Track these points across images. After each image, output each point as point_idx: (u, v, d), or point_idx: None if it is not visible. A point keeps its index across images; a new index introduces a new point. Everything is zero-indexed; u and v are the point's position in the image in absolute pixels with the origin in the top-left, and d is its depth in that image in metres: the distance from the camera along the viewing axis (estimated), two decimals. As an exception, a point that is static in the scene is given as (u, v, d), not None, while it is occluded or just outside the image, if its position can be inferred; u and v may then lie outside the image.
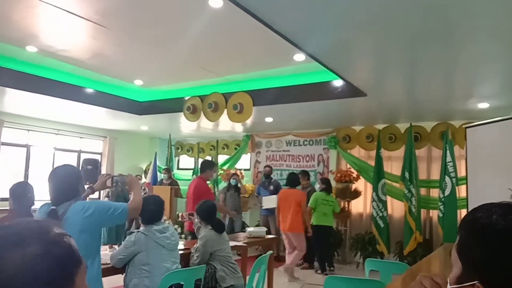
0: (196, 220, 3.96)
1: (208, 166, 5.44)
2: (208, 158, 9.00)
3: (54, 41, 5.00)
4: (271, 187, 7.95)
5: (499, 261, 0.79)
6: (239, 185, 7.86)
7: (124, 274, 3.10)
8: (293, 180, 6.55)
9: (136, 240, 3.08)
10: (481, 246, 0.82)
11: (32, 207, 3.38)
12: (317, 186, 7.00)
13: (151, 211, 3.22)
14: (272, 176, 8.27)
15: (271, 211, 7.73)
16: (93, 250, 2.42)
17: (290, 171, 6.84)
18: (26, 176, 8.29)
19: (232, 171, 8.93)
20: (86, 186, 2.70)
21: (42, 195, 9.06)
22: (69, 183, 2.48)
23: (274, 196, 7.75)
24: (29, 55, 5.53)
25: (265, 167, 8.39)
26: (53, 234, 0.75)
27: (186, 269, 3.34)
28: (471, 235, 0.86)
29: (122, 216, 2.50)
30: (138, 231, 3.16)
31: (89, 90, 6.70)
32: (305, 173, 7.50)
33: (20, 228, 0.74)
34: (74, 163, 8.76)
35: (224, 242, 3.73)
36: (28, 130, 8.32)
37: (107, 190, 7.15)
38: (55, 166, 2.62)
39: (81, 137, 9.22)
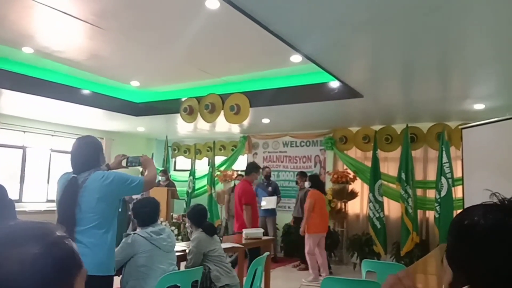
0: (187, 224, 3.98)
1: (254, 169, 5.76)
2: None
3: (50, 42, 4.98)
4: (270, 188, 7.96)
5: (483, 258, 0.80)
6: None
7: (121, 276, 3.10)
8: (318, 181, 6.71)
9: (133, 242, 3.07)
10: (465, 245, 0.84)
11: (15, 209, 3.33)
12: (307, 184, 6.86)
13: (146, 213, 3.22)
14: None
15: (269, 212, 7.73)
16: (109, 219, 2.57)
17: (310, 173, 7.05)
18: (22, 177, 8.25)
19: (229, 172, 8.93)
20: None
21: (38, 196, 8.98)
22: (90, 153, 2.66)
23: (274, 197, 7.76)
24: (25, 56, 5.51)
25: (265, 168, 8.37)
26: (55, 236, 0.76)
27: (183, 271, 3.34)
28: (456, 237, 0.88)
29: (138, 188, 2.69)
30: (134, 233, 3.16)
31: (86, 92, 6.68)
32: (303, 174, 7.52)
33: (23, 228, 0.75)
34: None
35: (216, 243, 3.74)
36: (24, 131, 8.28)
37: None
38: (78, 137, 2.77)
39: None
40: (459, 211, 5.66)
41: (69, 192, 2.51)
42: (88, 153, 2.64)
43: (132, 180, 2.65)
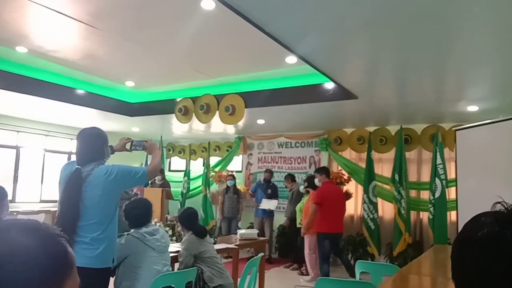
0: (179, 228, 3.98)
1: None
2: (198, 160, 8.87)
3: (45, 41, 4.96)
4: (269, 191, 7.92)
5: (481, 271, 0.80)
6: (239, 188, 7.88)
7: (115, 276, 3.08)
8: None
9: (126, 242, 3.06)
10: (465, 259, 0.83)
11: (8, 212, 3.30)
12: (301, 187, 7.02)
13: (138, 215, 3.20)
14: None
15: (267, 213, 7.71)
16: (110, 213, 2.55)
17: (305, 174, 7.08)
18: (15, 178, 8.20)
19: (224, 173, 8.92)
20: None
21: (32, 196, 8.90)
22: (95, 144, 2.61)
23: (275, 201, 7.76)
24: (19, 56, 5.48)
25: (266, 171, 8.32)
26: (51, 232, 0.76)
27: (177, 271, 3.33)
28: (456, 252, 0.87)
29: (143, 179, 2.66)
30: (127, 234, 3.14)
31: (80, 91, 6.65)
32: (290, 176, 7.58)
33: (31, 222, 0.76)
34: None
35: (207, 244, 3.72)
36: (18, 131, 8.24)
37: None
38: (84, 127, 2.70)
39: (71, 139, 9.12)
40: (453, 212, 5.64)
41: (74, 186, 2.47)
42: (93, 145, 2.61)
43: (136, 171, 2.62)
